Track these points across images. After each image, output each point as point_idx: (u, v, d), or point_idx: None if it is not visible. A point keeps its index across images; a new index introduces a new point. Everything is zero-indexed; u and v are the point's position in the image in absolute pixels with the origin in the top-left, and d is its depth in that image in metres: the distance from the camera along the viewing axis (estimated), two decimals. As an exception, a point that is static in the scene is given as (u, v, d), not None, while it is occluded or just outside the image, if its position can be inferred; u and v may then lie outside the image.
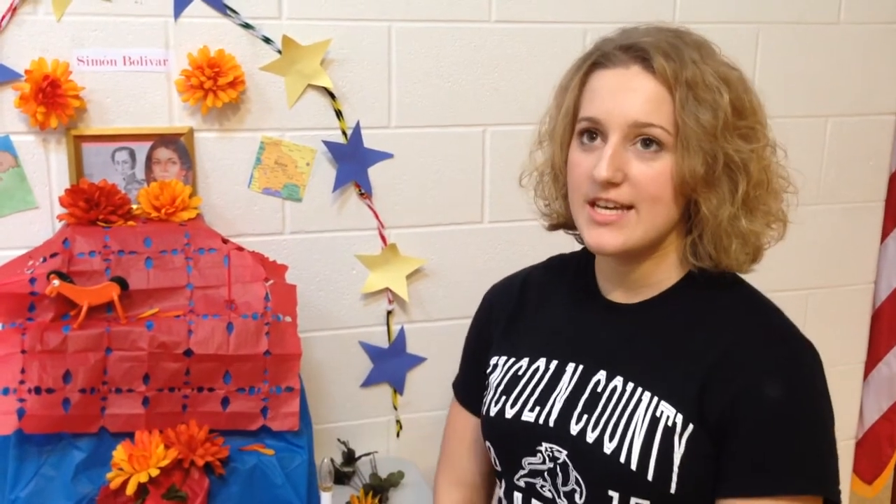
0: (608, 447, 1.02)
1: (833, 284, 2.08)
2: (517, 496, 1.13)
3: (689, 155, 0.99)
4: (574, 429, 1.06)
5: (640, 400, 1.03)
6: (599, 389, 1.07)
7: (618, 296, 1.13)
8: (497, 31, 1.69)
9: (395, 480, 1.66)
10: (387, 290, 1.73)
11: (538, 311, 1.21)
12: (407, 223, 1.72)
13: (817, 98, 1.94)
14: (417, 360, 1.80)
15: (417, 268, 1.74)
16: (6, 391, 1.26)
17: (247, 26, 1.54)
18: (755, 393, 0.99)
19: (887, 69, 1.98)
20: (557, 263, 1.29)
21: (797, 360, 1.02)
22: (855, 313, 2.12)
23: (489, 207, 1.77)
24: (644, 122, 1.00)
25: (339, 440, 1.76)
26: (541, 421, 1.09)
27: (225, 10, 1.52)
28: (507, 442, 1.14)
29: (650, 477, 1.00)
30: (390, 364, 1.78)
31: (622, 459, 1.01)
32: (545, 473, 1.09)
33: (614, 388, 1.06)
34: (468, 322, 1.79)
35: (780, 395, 0.98)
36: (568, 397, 1.09)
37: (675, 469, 0.99)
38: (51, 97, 1.42)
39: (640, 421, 1.02)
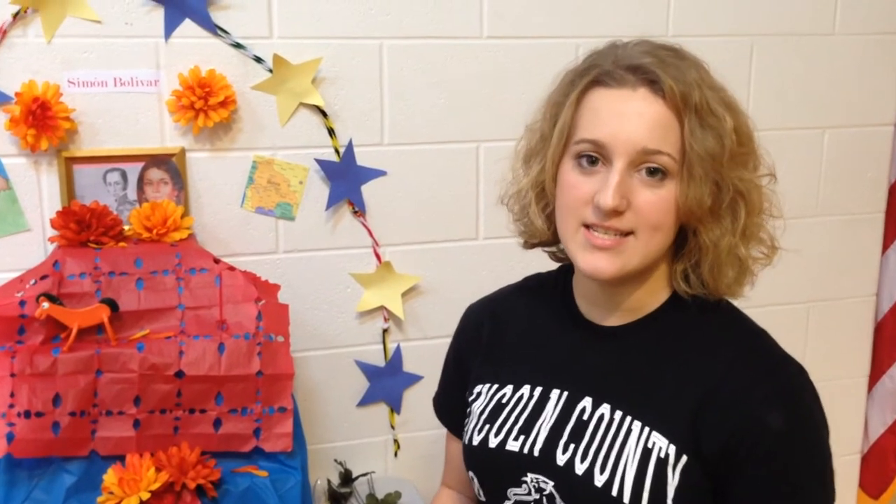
0: (599, 479, 0.99)
1: (834, 297, 2.06)
2: None
3: (696, 184, 0.96)
4: (561, 459, 1.02)
5: (629, 430, 1.00)
6: (585, 417, 1.03)
7: (601, 318, 1.08)
8: (489, 47, 1.69)
9: (392, 501, 1.64)
10: (382, 308, 1.72)
11: (518, 335, 1.17)
12: (401, 240, 1.71)
13: (814, 110, 1.93)
14: (414, 379, 1.78)
15: (413, 285, 1.73)
16: (-5, 415, 1.25)
17: (238, 46, 1.54)
18: (757, 425, 0.95)
19: (884, 80, 1.97)
20: (535, 284, 1.25)
21: (795, 387, 1.00)
22: (857, 326, 2.10)
23: (484, 224, 1.76)
24: (652, 150, 0.96)
25: (335, 460, 1.74)
26: (525, 450, 1.05)
27: (215, 30, 1.52)
28: (492, 472, 1.10)
29: None
30: (387, 383, 1.76)
31: (614, 492, 0.97)
32: (536, 501, 1.05)
33: (601, 417, 1.02)
34: (465, 339, 1.79)
35: (783, 426, 0.95)
36: (553, 425, 1.05)
37: (670, 502, 0.96)
38: (41, 119, 1.42)
39: (631, 452, 0.98)
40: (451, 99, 1.69)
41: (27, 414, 1.26)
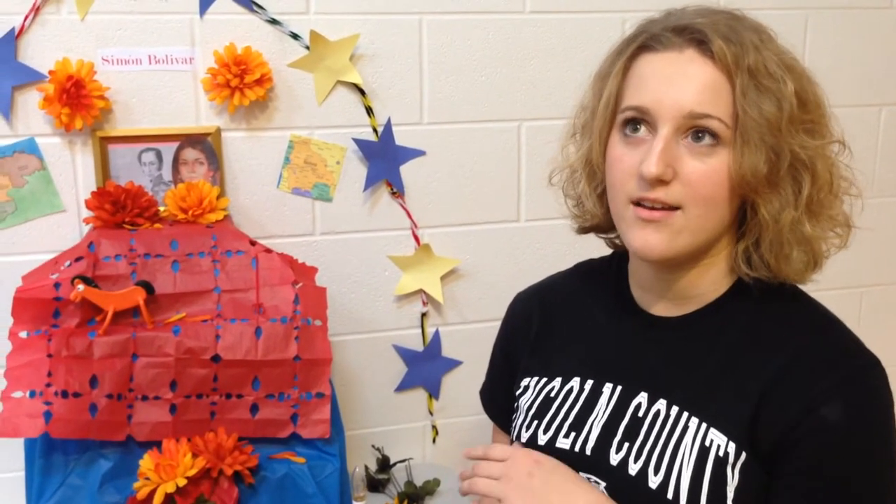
0: (653, 481, 0.93)
1: (889, 282, 1.98)
2: None
3: (750, 150, 0.89)
4: (614, 459, 0.97)
5: (686, 427, 0.94)
6: (640, 414, 0.98)
7: (658, 308, 1.02)
8: (532, 23, 1.63)
9: (430, 488, 1.61)
10: (420, 291, 1.68)
11: (569, 325, 1.11)
12: (441, 222, 1.67)
13: (870, 86, 1.85)
14: (453, 364, 1.74)
15: (452, 268, 1.69)
16: (32, 394, 1.24)
17: (274, 22, 1.50)
18: (814, 418, 0.89)
19: (944, 55, 1.88)
20: (586, 270, 1.19)
21: (861, 380, 0.92)
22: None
23: (525, 205, 1.71)
24: (700, 113, 0.89)
25: (373, 446, 1.71)
26: (577, 448, 1.00)
27: (251, 5, 1.48)
28: None
29: None
30: (425, 368, 1.73)
31: (670, 495, 0.92)
32: None
33: (657, 413, 0.97)
34: (505, 324, 1.75)
35: (841, 419, 0.89)
36: (606, 423, 0.99)
37: (730, 500, 0.90)
38: (75, 98, 1.40)
39: (687, 451, 0.93)
40: (492, 76, 1.63)
41: (64, 394, 1.25)
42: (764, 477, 0.91)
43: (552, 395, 1.06)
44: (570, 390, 1.04)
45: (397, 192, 1.63)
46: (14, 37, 1.40)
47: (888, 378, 0.93)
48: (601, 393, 1.02)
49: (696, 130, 0.91)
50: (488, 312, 1.74)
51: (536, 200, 1.71)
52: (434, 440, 1.77)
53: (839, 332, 0.97)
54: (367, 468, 1.66)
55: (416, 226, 1.65)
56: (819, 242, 0.96)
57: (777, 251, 0.94)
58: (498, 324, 1.73)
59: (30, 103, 1.43)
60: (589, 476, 0.98)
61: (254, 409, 1.35)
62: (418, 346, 1.72)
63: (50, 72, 1.41)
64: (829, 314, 1.00)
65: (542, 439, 1.03)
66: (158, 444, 1.31)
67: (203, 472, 1.29)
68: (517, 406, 1.12)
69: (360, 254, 1.64)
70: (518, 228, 1.72)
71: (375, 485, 1.65)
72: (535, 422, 1.05)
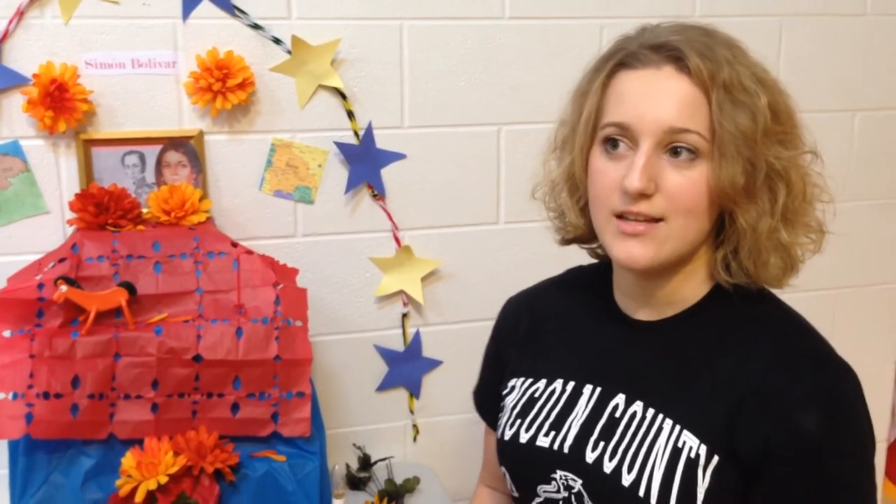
0: (626, 479, 0.96)
1: (862, 283, 2.02)
2: None
3: (728, 163, 0.92)
4: (590, 457, 1.00)
5: (661, 428, 0.97)
6: (618, 415, 1.01)
7: (640, 313, 1.05)
8: (511, 28, 1.66)
9: (410, 486, 1.63)
10: (401, 292, 1.71)
11: (555, 329, 1.14)
12: (421, 224, 1.69)
13: (844, 92, 1.88)
14: (434, 364, 1.77)
15: (432, 270, 1.71)
16: (15, 396, 1.25)
17: (256, 27, 1.52)
18: (791, 427, 0.91)
19: (917, 61, 1.92)
20: (574, 277, 1.22)
21: (836, 389, 0.94)
22: (885, 313, 2.06)
23: (504, 208, 1.74)
24: (679, 128, 0.93)
25: (354, 445, 1.73)
26: (555, 447, 1.03)
27: (233, 10, 1.51)
28: (522, 468, 1.09)
29: None
30: (406, 368, 1.75)
31: (641, 493, 0.95)
32: (560, 502, 1.04)
33: (633, 414, 1.00)
34: (485, 324, 1.76)
35: (818, 428, 0.90)
36: (584, 422, 1.03)
37: (700, 502, 0.93)
38: (59, 101, 1.41)
39: (660, 451, 0.95)
40: (472, 81, 1.66)
41: (46, 395, 1.26)
42: (738, 481, 0.93)
43: (536, 395, 1.09)
44: (553, 391, 1.08)
45: (378, 194, 1.65)
46: (-2, 41, 1.42)
47: (860, 383, 0.96)
48: (581, 394, 1.05)
49: (676, 145, 0.94)
50: (469, 313, 1.77)
51: (515, 203, 1.74)
52: (415, 439, 1.80)
53: (812, 339, 0.99)
54: (348, 466, 1.68)
55: (396, 228, 1.68)
56: (795, 248, 0.99)
57: (755, 258, 0.97)
58: (479, 324, 1.78)
59: (14, 106, 1.45)
60: (566, 473, 1.01)
61: (235, 408, 1.37)
62: (399, 346, 1.74)
63: (34, 75, 1.43)
64: (802, 321, 1.02)
65: (524, 437, 1.07)
66: (140, 442, 1.33)
67: (184, 470, 1.31)
68: (503, 405, 1.15)
69: (342, 255, 1.67)
70: (497, 231, 1.75)
71: (356, 483, 1.67)
72: (519, 420, 1.09)
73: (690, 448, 0.94)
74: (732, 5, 1.76)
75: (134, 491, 1.28)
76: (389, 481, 1.64)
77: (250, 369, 1.36)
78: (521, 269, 1.77)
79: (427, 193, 1.68)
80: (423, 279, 1.71)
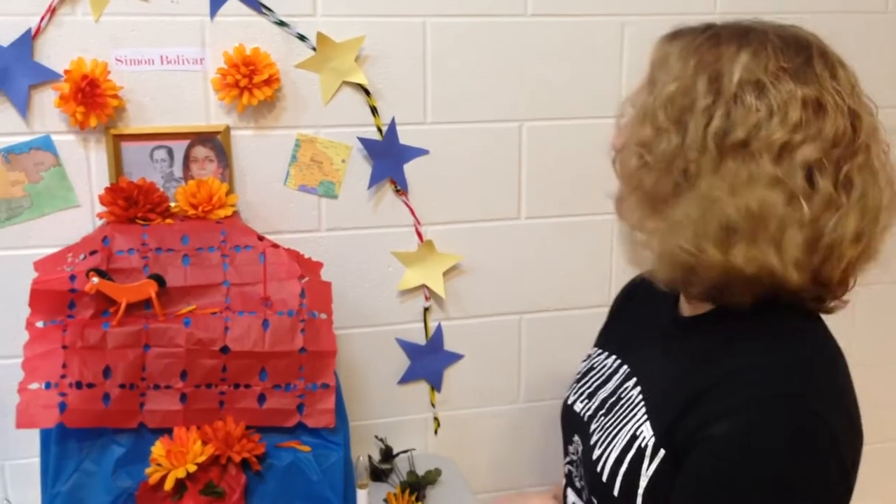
0: (595, 454, 1.01)
1: (879, 282, 2.02)
2: (563, 482, 1.14)
3: None
4: (592, 427, 1.05)
5: (634, 414, 0.99)
6: (623, 395, 1.04)
7: (683, 306, 1.05)
8: (533, 25, 1.67)
9: (432, 478, 1.65)
10: (423, 286, 1.73)
11: (639, 311, 1.16)
12: (443, 219, 1.71)
13: (867, 89, 1.88)
14: (455, 357, 1.78)
15: (454, 264, 1.73)
16: (48, 385, 1.28)
17: (281, 24, 1.54)
18: (705, 431, 0.88)
19: (939, 58, 1.92)
20: None
21: (767, 409, 0.86)
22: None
23: (526, 203, 1.75)
24: None
25: (376, 437, 1.75)
26: (581, 413, 1.10)
27: (260, 8, 1.53)
28: (563, 428, 1.17)
29: (616, 492, 0.95)
30: (427, 361, 1.77)
31: (598, 469, 0.99)
32: (575, 464, 1.09)
33: (630, 397, 1.02)
34: (505, 318, 1.80)
35: (723, 436, 0.86)
36: (605, 397, 1.07)
37: (640, 491, 0.93)
38: (90, 97, 1.44)
39: (622, 436, 0.98)
40: (494, 77, 1.67)
41: (79, 385, 1.29)
42: (675, 475, 0.91)
43: (595, 364, 1.15)
44: (605, 364, 1.13)
45: (401, 189, 1.67)
46: (31, 37, 1.44)
47: (818, 424, 0.86)
48: (617, 372, 1.09)
49: None
50: (490, 307, 1.78)
51: (536, 199, 1.75)
52: (436, 432, 1.82)
53: (783, 360, 0.91)
54: (370, 458, 1.70)
55: (419, 222, 1.70)
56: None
57: None
58: (499, 318, 1.81)
59: (46, 102, 1.47)
60: (579, 438, 1.08)
61: (261, 398, 1.40)
62: (421, 339, 1.76)
63: (65, 71, 1.45)
64: (793, 343, 0.94)
65: (571, 399, 1.16)
66: (169, 432, 1.35)
67: (212, 459, 1.34)
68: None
69: (365, 250, 1.69)
70: (518, 226, 1.76)
71: (378, 474, 1.69)
72: (576, 385, 1.17)
73: (643, 438, 0.95)
74: (753, 2, 1.76)
75: (163, 479, 1.31)
76: (412, 473, 1.66)
77: (276, 361, 1.39)
78: (542, 264, 1.79)
79: (449, 189, 1.70)
80: (445, 273, 1.73)
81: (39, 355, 1.30)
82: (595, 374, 1.13)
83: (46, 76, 1.46)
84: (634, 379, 1.04)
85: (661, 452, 0.92)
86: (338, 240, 1.67)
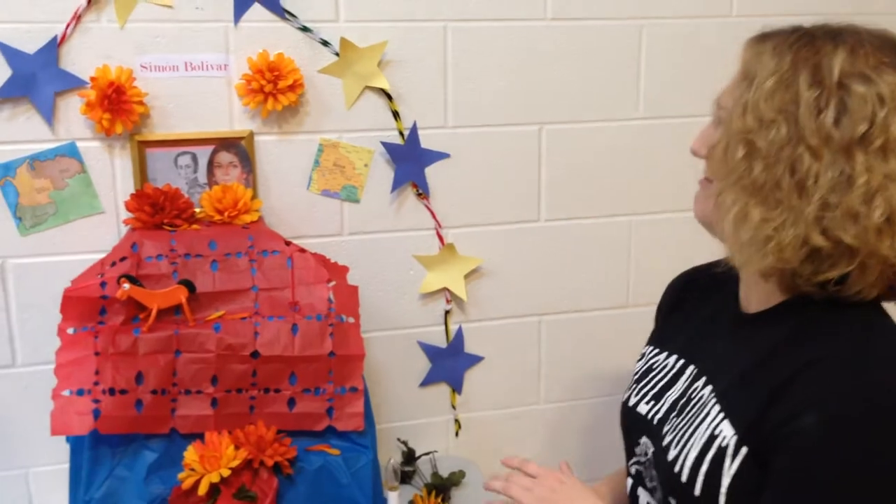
0: (671, 454, 1.01)
1: None
2: (629, 482, 1.16)
3: None
4: (665, 429, 1.05)
5: (709, 413, 1.00)
6: (694, 396, 1.04)
7: (745, 303, 1.06)
8: (552, 29, 1.68)
9: (456, 479, 1.66)
10: (444, 289, 1.74)
11: (693, 308, 1.16)
12: (464, 223, 1.72)
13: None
14: (475, 360, 1.79)
15: (475, 267, 1.74)
16: (81, 392, 1.29)
17: (305, 29, 1.55)
18: (793, 423, 0.89)
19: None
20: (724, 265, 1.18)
21: (855, 399, 0.88)
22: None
23: (545, 206, 1.76)
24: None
25: (398, 440, 1.76)
26: (648, 416, 1.11)
27: (283, 13, 1.53)
28: (626, 429, 1.18)
29: (697, 492, 0.96)
30: (448, 363, 1.78)
31: (676, 469, 1.00)
32: (645, 465, 1.10)
33: (701, 397, 1.03)
34: (525, 320, 1.81)
35: (813, 429, 0.88)
36: (674, 399, 1.08)
37: (723, 490, 0.94)
38: (116, 104, 1.44)
39: (700, 435, 0.99)
40: (513, 81, 1.68)
41: (111, 391, 1.30)
42: (760, 474, 0.93)
43: (655, 365, 1.16)
44: (667, 365, 1.13)
45: (423, 193, 1.68)
46: (56, 44, 1.44)
47: None
48: (683, 373, 1.09)
49: None
50: (510, 309, 1.79)
51: (556, 201, 1.76)
52: (457, 434, 1.83)
53: (863, 348, 0.93)
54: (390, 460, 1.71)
55: (440, 226, 1.70)
56: None
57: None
58: (518, 320, 1.82)
59: (71, 108, 1.48)
60: (647, 440, 1.08)
61: (291, 402, 1.40)
62: (442, 342, 1.77)
63: (91, 78, 1.46)
64: (870, 331, 0.96)
65: (632, 401, 1.16)
66: (200, 437, 1.36)
67: (244, 464, 1.34)
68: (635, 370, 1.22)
69: (387, 253, 1.69)
70: (538, 228, 1.77)
71: (402, 476, 1.70)
72: (635, 386, 1.17)
73: (724, 437, 0.96)
74: (770, 4, 1.78)
75: (196, 484, 1.31)
76: (436, 475, 1.67)
77: (306, 365, 1.40)
78: (561, 266, 1.80)
79: (470, 192, 1.71)
80: (466, 276, 1.74)
81: (72, 362, 1.30)
82: (657, 374, 1.14)
83: (72, 83, 1.46)
84: (704, 378, 1.04)
85: (744, 450, 0.93)
86: (360, 244, 1.68)
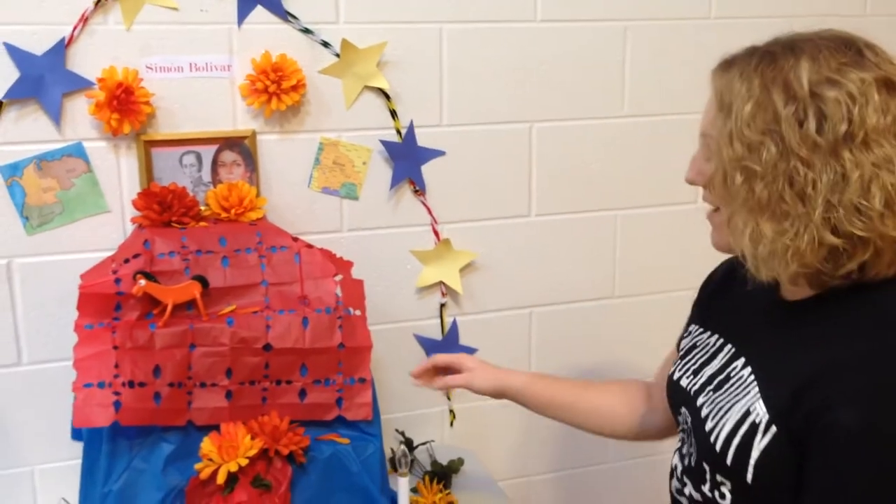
0: (709, 425, 1.08)
1: None
2: (677, 444, 1.23)
3: None
4: (700, 401, 1.13)
5: (747, 391, 1.06)
6: (733, 374, 1.10)
7: (786, 291, 1.10)
8: (542, 30, 1.75)
9: (455, 467, 1.71)
10: (440, 283, 1.79)
11: (738, 292, 1.20)
12: (459, 218, 1.77)
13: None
14: (469, 352, 1.84)
15: (470, 261, 1.79)
16: (102, 384, 1.31)
17: (306, 31, 1.59)
18: (828, 416, 0.94)
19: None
20: None
21: (890, 391, 0.93)
22: None
23: (536, 201, 1.83)
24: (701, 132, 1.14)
25: (396, 430, 1.81)
26: (688, 388, 1.17)
27: (285, 16, 1.57)
28: (670, 399, 1.25)
29: (729, 461, 1.04)
30: (444, 356, 1.83)
31: (712, 439, 1.07)
32: (685, 432, 1.18)
33: (741, 377, 1.09)
34: (518, 313, 1.87)
35: (854, 426, 0.92)
36: (712, 374, 1.14)
37: (752, 462, 1.01)
38: (125, 104, 1.47)
39: (737, 411, 1.05)
40: (505, 80, 1.74)
41: (131, 384, 1.33)
42: (790, 451, 0.99)
43: (698, 343, 1.22)
44: (709, 343, 1.20)
45: (419, 190, 1.73)
46: (64, 46, 1.46)
47: None
48: (722, 350, 1.16)
49: None
50: (503, 302, 1.85)
51: (546, 197, 1.83)
52: (452, 424, 1.88)
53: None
54: (392, 451, 1.75)
55: (436, 222, 1.76)
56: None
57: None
58: (512, 312, 1.88)
59: (78, 109, 1.50)
60: (687, 410, 1.17)
61: (302, 393, 1.44)
62: (437, 335, 1.82)
63: (98, 79, 1.48)
64: None
65: (676, 375, 1.23)
66: (216, 428, 1.39)
67: (259, 453, 1.38)
68: (679, 342, 1.31)
69: (384, 249, 1.74)
70: (529, 223, 1.84)
71: (401, 465, 1.74)
72: (680, 361, 1.24)
73: (757, 415, 1.02)
74: (745, 7, 1.87)
75: (214, 474, 1.35)
76: (435, 462, 1.72)
77: (316, 357, 1.44)
78: (551, 259, 1.87)
79: (464, 188, 1.76)
80: (461, 270, 1.79)
81: (91, 356, 1.33)
82: (699, 351, 1.20)
83: (79, 84, 1.48)
84: (743, 359, 1.10)
85: (773, 429, 1.00)
86: (359, 240, 1.72)
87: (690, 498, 1.14)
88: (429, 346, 1.82)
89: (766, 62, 1.01)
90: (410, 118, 1.69)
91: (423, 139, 1.71)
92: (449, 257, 1.78)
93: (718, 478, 1.06)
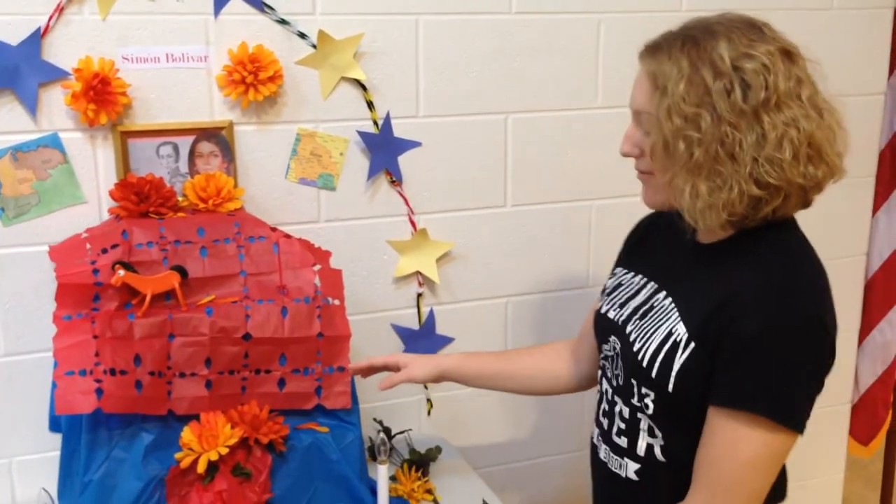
0: (636, 347, 1.27)
1: (828, 256, 2.16)
2: (598, 373, 1.42)
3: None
4: (628, 329, 1.30)
5: (668, 316, 1.24)
6: (656, 305, 1.28)
7: (700, 235, 1.27)
8: (517, 22, 1.76)
9: (433, 455, 1.73)
10: (417, 273, 1.80)
11: (659, 239, 1.38)
12: (436, 209, 1.79)
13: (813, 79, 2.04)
14: (446, 341, 1.87)
15: (446, 251, 1.81)
16: (83, 372, 1.32)
17: (283, 22, 1.59)
18: (734, 327, 1.14)
19: (876, 52, 2.09)
20: None
21: (782, 305, 1.14)
22: (849, 283, 2.24)
23: (511, 191, 1.85)
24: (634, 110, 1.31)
25: (374, 419, 1.82)
26: (615, 319, 1.34)
27: (262, 6, 1.58)
28: (597, 331, 1.41)
29: (653, 374, 1.22)
30: (421, 345, 1.84)
31: (639, 357, 1.25)
32: (610, 359, 1.35)
33: (663, 306, 1.27)
34: (494, 302, 1.89)
35: (752, 330, 1.13)
36: (636, 306, 1.31)
37: (673, 373, 1.20)
38: (101, 94, 1.47)
39: (661, 333, 1.24)
40: (481, 72, 1.76)
41: (112, 371, 1.33)
42: (705, 363, 1.18)
43: (623, 282, 1.39)
44: (633, 282, 1.37)
45: (396, 180, 1.74)
46: (39, 36, 1.46)
47: (822, 321, 1.15)
48: (645, 287, 1.34)
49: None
50: (478, 292, 1.87)
51: (521, 187, 1.85)
52: (429, 413, 1.90)
53: (791, 273, 1.18)
54: (370, 439, 1.77)
55: (412, 212, 1.77)
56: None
57: None
58: (488, 301, 1.90)
59: (53, 100, 1.49)
60: (615, 338, 1.34)
61: (281, 383, 1.46)
62: (414, 324, 1.84)
63: (74, 69, 1.48)
64: (798, 252, 1.22)
65: (604, 309, 1.39)
66: (194, 418, 1.40)
67: (239, 442, 1.39)
68: (605, 285, 1.46)
69: (362, 239, 1.75)
70: (504, 213, 1.86)
71: (379, 454, 1.76)
72: (606, 298, 1.40)
73: (678, 334, 1.22)
74: (716, 0, 1.89)
75: (194, 463, 1.36)
76: (413, 451, 1.74)
77: (296, 346, 1.45)
78: (526, 248, 1.89)
79: (441, 179, 1.78)
80: (438, 260, 1.81)
81: (71, 346, 1.33)
82: (624, 289, 1.37)
83: (55, 74, 1.48)
84: (664, 292, 1.29)
85: (692, 345, 1.19)
86: (336, 230, 1.73)
87: (620, 415, 1.31)
88: (406, 335, 1.84)
89: (689, 45, 1.16)
90: (387, 109, 1.70)
91: (400, 130, 1.72)
92: (426, 247, 1.79)
93: (644, 390, 1.25)
